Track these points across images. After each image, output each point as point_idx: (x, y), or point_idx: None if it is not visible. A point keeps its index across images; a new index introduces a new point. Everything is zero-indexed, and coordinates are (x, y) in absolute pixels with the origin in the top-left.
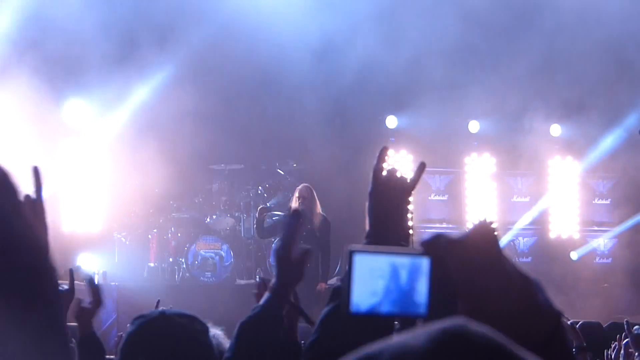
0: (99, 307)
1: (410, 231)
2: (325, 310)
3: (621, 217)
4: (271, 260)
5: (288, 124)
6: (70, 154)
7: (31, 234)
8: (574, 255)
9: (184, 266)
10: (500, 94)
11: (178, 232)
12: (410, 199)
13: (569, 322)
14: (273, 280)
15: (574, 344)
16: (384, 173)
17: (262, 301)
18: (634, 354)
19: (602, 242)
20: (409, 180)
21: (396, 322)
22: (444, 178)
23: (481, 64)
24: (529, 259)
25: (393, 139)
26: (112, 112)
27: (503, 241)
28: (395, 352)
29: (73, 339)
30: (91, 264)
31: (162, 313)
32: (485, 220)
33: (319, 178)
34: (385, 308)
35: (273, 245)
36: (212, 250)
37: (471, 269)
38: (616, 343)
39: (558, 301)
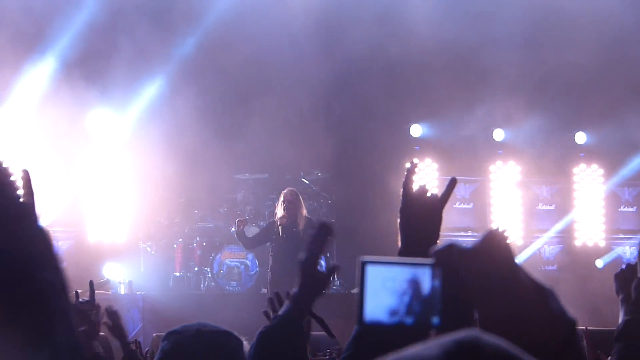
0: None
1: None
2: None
3: None
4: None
5: (312, 133)
6: (95, 163)
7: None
8: (599, 263)
9: (210, 275)
10: (525, 102)
11: (203, 241)
12: (442, 215)
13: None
14: (294, 290)
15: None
16: (414, 189)
17: (282, 310)
18: None
19: (628, 249)
20: (439, 196)
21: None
22: (469, 186)
23: (505, 72)
24: (555, 267)
25: (418, 147)
26: (137, 122)
27: (523, 249)
28: None
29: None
30: (117, 273)
31: (198, 330)
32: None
33: (344, 187)
34: (398, 318)
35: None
36: (237, 260)
37: (484, 278)
38: None
39: (584, 309)
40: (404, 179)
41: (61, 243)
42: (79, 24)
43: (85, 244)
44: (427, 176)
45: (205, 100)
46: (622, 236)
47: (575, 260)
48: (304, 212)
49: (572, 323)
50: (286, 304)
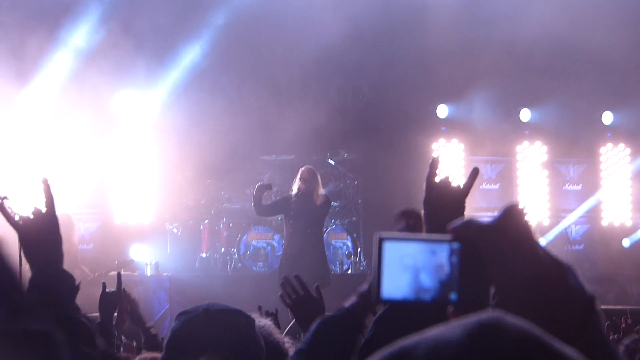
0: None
1: None
2: (380, 311)
3: None
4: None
5: (339, 114)
6: (122, 145)
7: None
8: (626, 242)
9: (236, 256)
10: (550, 81)
11: (230, 222)
12: (464, 204)
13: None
14: (365, 286)
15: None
16: (438, 181)
17: (348, 304)
18: None
19: None
20: (462, 187)
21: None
22: (495, 167)
23: (530, 52)
24: (582, 247)
25: (444, 128)
26: (163, 104)
27: (550, 229)
28: (431, 344)
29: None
30: (143, 255)
31: (207, 309)
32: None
33: (371, 168)
34: (415, 295)
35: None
36: (264, 240)
37: (502, 254)
38: None
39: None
40: (427, 172)
41: (88, 225)
42: (105, 3)
43: (112, 226)
44: (454, 157)
45: (231, 82)
46: None
47: (602, 239)
48: (321, 190)
49: (591, 299)
50: (353, 298)
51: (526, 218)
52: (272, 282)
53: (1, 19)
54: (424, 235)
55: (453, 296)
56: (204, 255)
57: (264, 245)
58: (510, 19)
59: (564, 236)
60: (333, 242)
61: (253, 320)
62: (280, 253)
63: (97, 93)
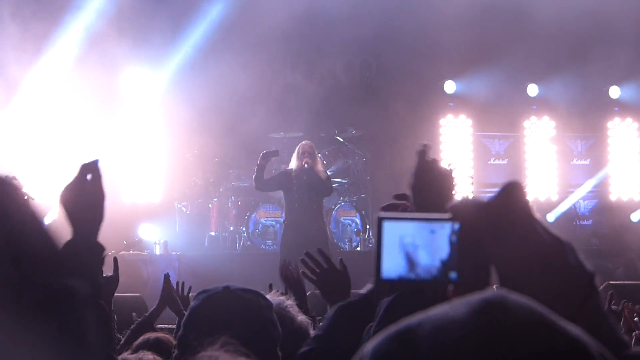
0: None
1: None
2: (387, 300)
3: None
4: None
5: (346, 91)
6: (130, 123)
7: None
8: (634, 217)
9: (245, 235)
10: (557, 56)
11: (238, 200)
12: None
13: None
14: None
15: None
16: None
17: (364, 290)
18: None
19: None
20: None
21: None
22: (503, 142)
23: (537, 27)
24: (590, 222)
25: (452, 104)
26: (171, 81)
27: (559, 204)
28: (436, 323)
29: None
30: (152, 234)
31: (227, 287)
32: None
33: (378, 145)
34: (415, 274)
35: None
36: (272, 218)
37: (501, 233)
38: None
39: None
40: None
41: None
42: None
43: (120, 205)
44: (461, 133)
45: (238, 60)
46: None
47: (610, 214)
48: (319, 166)
49: (590, 276)
50: (369, 285)
51: (526, 196)
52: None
53: None
54: (423, 214)
55: (453, 275)
56: (212, 233)
57: (273, 223)
58: None
59: (572, 211)
60: (342, 219)
61: (271, 304)
62: None
63: (104, 71)
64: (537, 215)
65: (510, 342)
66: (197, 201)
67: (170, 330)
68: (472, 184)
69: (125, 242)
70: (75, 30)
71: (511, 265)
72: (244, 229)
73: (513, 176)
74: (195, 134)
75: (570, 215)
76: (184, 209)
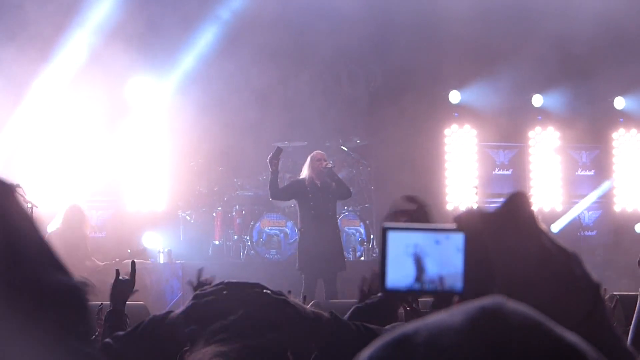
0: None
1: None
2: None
3: None
4: None
5: (352, 101)
6: (134, 132)
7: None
8: (638, 228)
9: (249, 244)
10: (562, 67)
11: (242, 209)
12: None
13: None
14: None
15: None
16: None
17: (381, 294)
18: None
19: None
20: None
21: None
22: (508, 152)
23: (542, 37)
24: (594, 233)
25: (457, 114)
26: (176, 91)
27: (563, 215)
28: (432, 330)
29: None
30: (156, 242)
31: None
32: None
33: (383, 154)
34: (420, 285)
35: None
36: (276, 228)
37: (507, 243)
38: None
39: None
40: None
41: (101, 213)
42: None
43: (125, 213)
44: (466, 143)
45: (243, 69)
46: None
47: (614, 225)
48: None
49: (596, 287)
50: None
51: (531, 206)
52: (284, 270)
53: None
54: (428, 224)
55: (458, 286)
56: (216, 242)
57: (277, 232)
58: (523, 6)
59: (576, 222)
60: (346, 228)
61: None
62: (293, 240)
63: (110, 80)
64: (543, 225)
65: (507, 349)
66: (201, 210)
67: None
68: (476, 194)
69: (129, 251)
70: (80, 40)
71: (516, 276)
72: (248, 238)
73: (518, 186)
74: (199, 142)
75: (575, 226)
76: (188, 218)
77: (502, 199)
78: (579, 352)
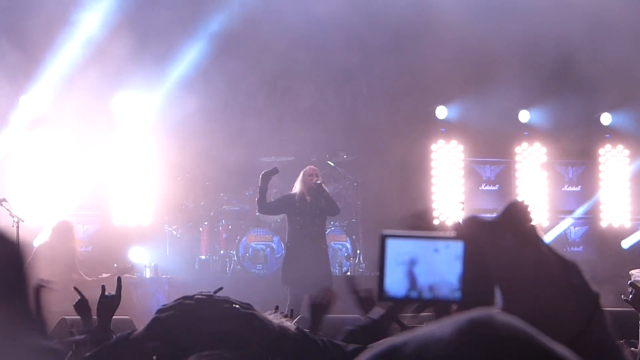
0: (118, 302)
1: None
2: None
3: None
4: None
5: (338, 116)
6: (121, 147)
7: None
8: (625, 244)
9: (235, 259)
10: (549, 82)
11: (229, 224)
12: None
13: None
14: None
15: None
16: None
17: (375, 315)
18: None
19: None
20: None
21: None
22: (494, 168)
23: (529, 54)
24: (580, 248)
25: (443, 129)
26: (162, 105)
27: (549, 230)
28: (420, 342)
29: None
30: (142, 257)
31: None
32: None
33: (370, 170)
34: (418, 293)
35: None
36: (263, 243)
37: (505, 252)
38: None
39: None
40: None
41: (87, 227)
42: (106, 3)
43: (111, 227)
44: (453, 159)
45: (229, 84)
46: None
47: (601, 241)
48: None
49: (595, 296)
50: (379, 310)
51: (530, 215)
52: (271, 284)
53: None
54: (427, 233)
55: (456, 295)
56: (203, 257)
57: (263, 247)
58: (510, 21)
59: (563, 237)
60: (332, 243)
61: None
62: (279, 255)
63: (97, 94)
64: (542, 234)
65: None
66: (187, 224)
67: None
68: (462, 209)
69: (115, 265)
70: (68, 53)
71: (515, 285)
72: (234, 252)
73: (504, 202)
74: (185, 157)
75: (561, 242)
76: (175, 233)
77: (487, 215)
78: None
